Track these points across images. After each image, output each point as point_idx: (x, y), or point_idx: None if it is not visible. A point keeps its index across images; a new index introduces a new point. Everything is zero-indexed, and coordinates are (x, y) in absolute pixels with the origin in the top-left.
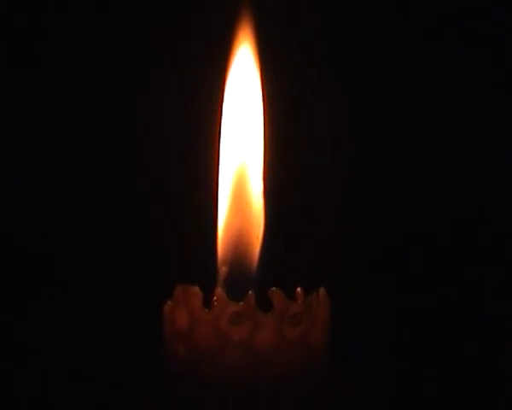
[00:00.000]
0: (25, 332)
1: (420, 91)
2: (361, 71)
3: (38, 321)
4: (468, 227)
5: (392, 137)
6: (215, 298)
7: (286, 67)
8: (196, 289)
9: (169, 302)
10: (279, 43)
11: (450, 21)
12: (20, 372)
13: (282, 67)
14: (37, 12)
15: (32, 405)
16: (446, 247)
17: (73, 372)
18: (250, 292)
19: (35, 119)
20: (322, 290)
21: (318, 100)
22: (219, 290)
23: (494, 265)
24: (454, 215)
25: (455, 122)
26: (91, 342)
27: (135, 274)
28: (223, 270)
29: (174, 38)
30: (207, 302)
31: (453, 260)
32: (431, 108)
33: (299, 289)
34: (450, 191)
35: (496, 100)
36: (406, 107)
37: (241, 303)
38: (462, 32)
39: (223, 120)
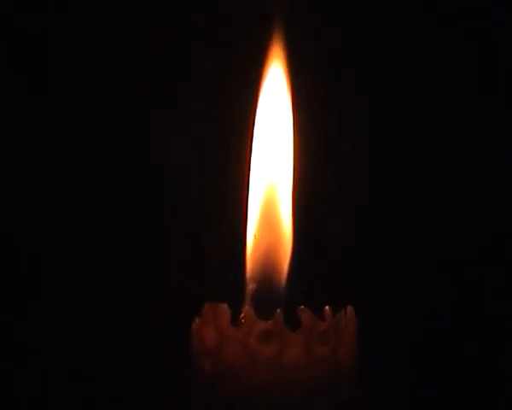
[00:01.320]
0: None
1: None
2: (392, 87)
3: (51, 331)
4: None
5: (426, 153)
6: (243, 316)
7: (317, 89)
8: (225, 306)
9: (197, 320)
10: (310, 63)
11: (452, 21)
12: (39, 384)
13: (314, 89)
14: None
15: None
16: (476, 264)
17: (100, 386)
18: (278, 310)
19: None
20: (349, 309)
21: (345, 120)
22: (247, 308)
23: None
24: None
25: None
26: (116, 357)
27: (163, 291)
28: (250, 287)
29: (202, 54)
30: (235, 320)
31: (481, 280)
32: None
33: (327, 307)
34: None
35: None
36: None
37: (270, 321)
38: (465, 33)
39: (254, 138)
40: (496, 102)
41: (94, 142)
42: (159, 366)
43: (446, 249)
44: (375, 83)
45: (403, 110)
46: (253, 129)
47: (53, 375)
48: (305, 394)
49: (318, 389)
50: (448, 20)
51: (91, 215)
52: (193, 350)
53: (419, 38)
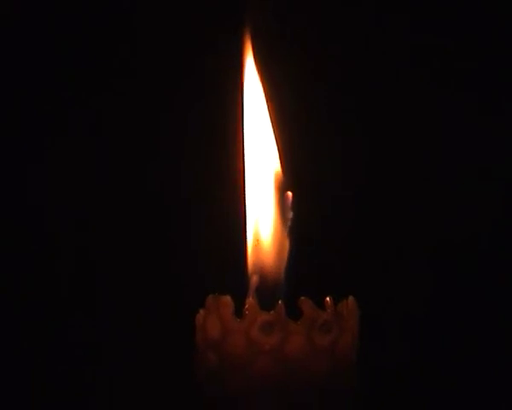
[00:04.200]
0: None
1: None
2: (389, 86)
3: (56, 330)
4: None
5: (417, 149)
6: (246, 307)
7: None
8: (228, 298)
9: (201, 312)
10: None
11: (456, 25)
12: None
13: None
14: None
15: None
16: (478, 255)
17: (102, 379)
18: (280, 301)
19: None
20: (351, 299)
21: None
22: (250, 300)
23: None
24: (487, 223)
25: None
26: (120, 351)
27: (167, 284)
28: (254, 279)
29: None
30: (239, 312)
31: (487, 271)
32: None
33: (328, 298)
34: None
35: None
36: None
37: (272, 312)
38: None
39: (245, 132)
40: (495, 103)
41: (94, 141)
42: (164, 359)
43: (447, 239)
44: (365, 78)
45: (403, 110)
46: (243, 122)
47: (56, 364)
48: (307, 383)
49: (319, 378)
50: (454, 22)
51: (92, 210)
52: (197, 342)
53: (403, 31)
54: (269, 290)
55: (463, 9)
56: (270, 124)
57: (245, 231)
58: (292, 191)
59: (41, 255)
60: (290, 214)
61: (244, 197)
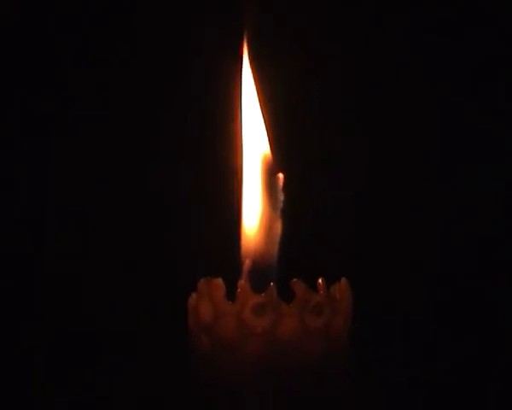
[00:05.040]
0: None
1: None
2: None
3: (56, 323)
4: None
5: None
6: (239, 290)
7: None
8: (219, 281)
9: (193, 295)
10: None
11: (462, 26)
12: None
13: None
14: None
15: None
16: (478, 256)
17: (100, 366)
18: (272, 284)
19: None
20: (343, 280)
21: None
22: (242, 282)
23: None
24: (474, 217)
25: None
26: (115, 335)
27: (160, 268)
28: (246, 263)
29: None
30: (232, 295)
31: (487, 271)
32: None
33: (320, 279)
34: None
35: None
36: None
37: (263, 294)
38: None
39: (243, 122)
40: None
41: (94, 141)
42: (158, 342)
43: (447, 239)
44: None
45: (402, 110)
46: (241, 109)
47: (56, 352)
48: (299, 365)
49: (313, 360)
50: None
51: (92, 210)
52: (190, 325)
53: (403, 31)
54: (261, 273)
55: (463, 9)
56: (268, 124)
57: (238, 216)
58: (283, 173)
59: (41, 255)
60: (282, 196)
61: (238, 184)
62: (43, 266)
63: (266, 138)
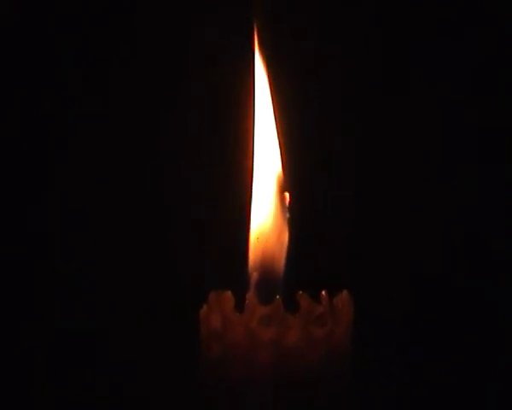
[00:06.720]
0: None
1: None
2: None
3: (56, 323)
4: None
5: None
6: (247, 302)
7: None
8: (229, 294)
9: (204, 307)
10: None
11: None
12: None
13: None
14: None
15: None
16: (478, 255)
17: (110, 373)
18: (278, 296)
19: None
20: (345, 292)
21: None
22: (250, 295)
23: None
24: (474, 217)
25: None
26: (115, 335)
27: (172, 281)
28: (254, 276)
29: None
30: (240, 307)
31: (487, 270)
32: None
33: (323, 292)
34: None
35: None
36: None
37: (270, 306)
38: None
39: (255, 131)
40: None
41: (94, 141)
42: (169, 352)
43: (447, 238)
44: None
45: (402, 109)
46: (254, 121)
47: (59, 357)
48: (303, 372)
49: (314, 366)
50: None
51: (92, 210)
52: (201, 334)
53: (403, 31)
54: (268, 286)
55: (463, 9)
56: (274, 123)
57: (247, 231)
58: (291, 190)
59: (41, 255)
60: (287, 215)
61: (247, 197)
62: (43, 266)
63: (279, 152)
